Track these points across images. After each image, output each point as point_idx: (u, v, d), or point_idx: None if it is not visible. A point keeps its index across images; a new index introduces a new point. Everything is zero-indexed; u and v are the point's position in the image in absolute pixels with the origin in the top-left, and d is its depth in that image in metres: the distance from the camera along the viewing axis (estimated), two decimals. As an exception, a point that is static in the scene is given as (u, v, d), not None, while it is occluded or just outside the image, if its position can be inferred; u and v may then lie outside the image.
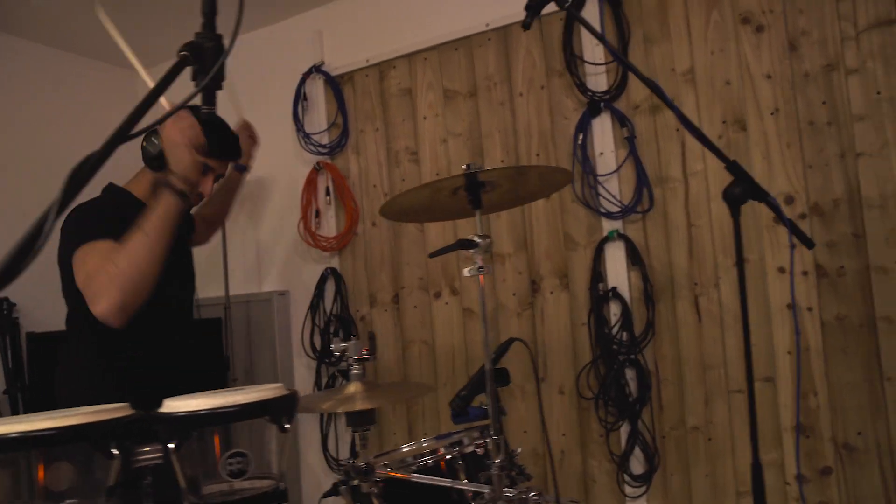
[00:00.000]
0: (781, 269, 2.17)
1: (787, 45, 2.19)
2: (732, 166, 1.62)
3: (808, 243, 1.66)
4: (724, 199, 1.61)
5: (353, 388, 1.33)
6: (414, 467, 1.48)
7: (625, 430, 2.35)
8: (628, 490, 2.35)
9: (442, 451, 1.53)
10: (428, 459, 1.50)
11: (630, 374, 2.34)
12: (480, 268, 1.46)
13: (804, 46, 2.17)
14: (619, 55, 1.79)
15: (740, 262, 1.62)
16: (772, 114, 2.21)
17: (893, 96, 2.04)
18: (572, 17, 2.44)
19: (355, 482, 1.43)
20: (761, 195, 1.64)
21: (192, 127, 1.67)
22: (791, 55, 2.19)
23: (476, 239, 1.44)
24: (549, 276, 2.54)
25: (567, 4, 1.78)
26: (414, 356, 2.80)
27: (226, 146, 1.88)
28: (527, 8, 1.81)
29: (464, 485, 1.43)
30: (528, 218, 2.58)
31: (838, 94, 2.12)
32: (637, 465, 2.34)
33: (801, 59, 2.17)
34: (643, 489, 2.33)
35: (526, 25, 1.82)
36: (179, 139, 1.65)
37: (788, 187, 2.18)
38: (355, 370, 1.36)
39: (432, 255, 1.56)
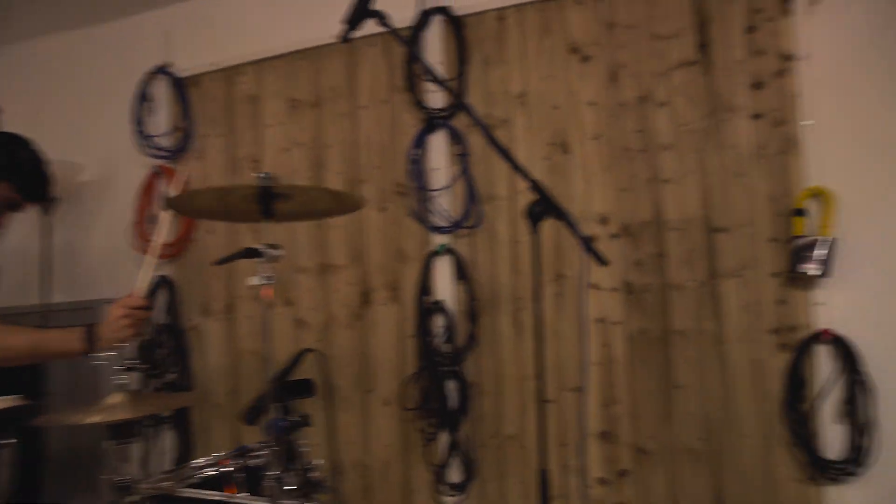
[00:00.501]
0: (594, 286, 2.29)
1: (609, 76, 2.34)
2: (534, 185, 1.71)
3: (602, 261, 1.77)
4: (526, 216, 1.70)
5: (116, 398, 1.28)
6: (194, 481, 1.43)
7: (445, 440, 2.40)
8: (446, 499, 2.40)
9: (227, 464, 1.49)
10: (210, 473, 1.46)
11: (452, 385, 2.39)
12: (269, 277, 1.45)
13: (623, 78, 2.32)
14: (432, 71, 1.85)
15: (537, 277, 1.70)
16: (593, 139, 2.34)
17: (694, 129, 2.21)
18: (401, 38, 2.50)
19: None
20: (559, 214, 1.74)
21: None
22: (611, 85, 2.33)
23: (262, 248, 1.43)
24: (381, 288, 2.56)
25: (383, 20, 1.83)
26: (245, 366, 2.74)
27: (46, 193, 1.94)
28: (344, 22, 1.84)
29: (239, 498, 1.41)
30: (363, 230, 2.59)
31: (650, 124, 2.28)
32: (455, 473, 2.39)
33: (620, 89, 2.32)
34: (460, 497, 2.38)
35: (344, 39, 1.85)
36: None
37: (604, 208, 2.31)
38: (120, 380, 1.30)
39: (218, 262, 1.53)
